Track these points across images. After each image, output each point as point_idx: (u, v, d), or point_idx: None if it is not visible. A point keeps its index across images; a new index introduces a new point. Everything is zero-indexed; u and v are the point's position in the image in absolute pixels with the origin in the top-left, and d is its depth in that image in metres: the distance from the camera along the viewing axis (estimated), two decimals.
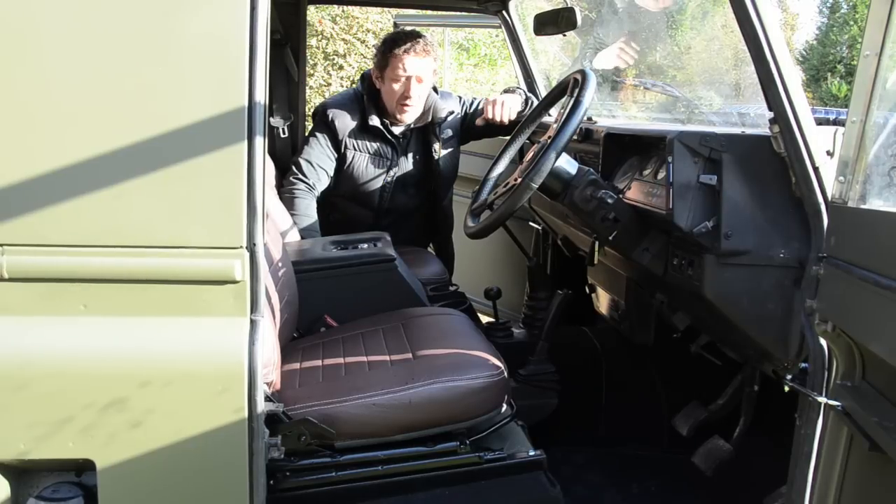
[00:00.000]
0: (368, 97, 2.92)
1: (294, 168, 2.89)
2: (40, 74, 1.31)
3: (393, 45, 2.82)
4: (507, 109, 2.91)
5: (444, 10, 4.31)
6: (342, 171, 2.93)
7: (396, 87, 2.83)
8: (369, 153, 2.92)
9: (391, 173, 2.95)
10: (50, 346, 1.35)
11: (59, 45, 1.31)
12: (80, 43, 1.31)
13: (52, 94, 1.32)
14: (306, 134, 3.07)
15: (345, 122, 2.89)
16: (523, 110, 2.95)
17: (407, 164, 2.99)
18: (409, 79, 2.81)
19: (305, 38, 3.51)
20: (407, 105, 2.86)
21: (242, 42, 1.32)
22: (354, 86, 3.19)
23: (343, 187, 2.96)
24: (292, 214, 2.77)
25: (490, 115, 2.91)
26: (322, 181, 2.90)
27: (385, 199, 2.98)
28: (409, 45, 2.79)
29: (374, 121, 2.88)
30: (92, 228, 1.34)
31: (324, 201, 2.93)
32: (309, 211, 2.83)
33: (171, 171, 1.33)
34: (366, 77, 3.01)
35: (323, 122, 2.92)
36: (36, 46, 1.31)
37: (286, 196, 2.83)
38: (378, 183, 2.95)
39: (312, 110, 3.18)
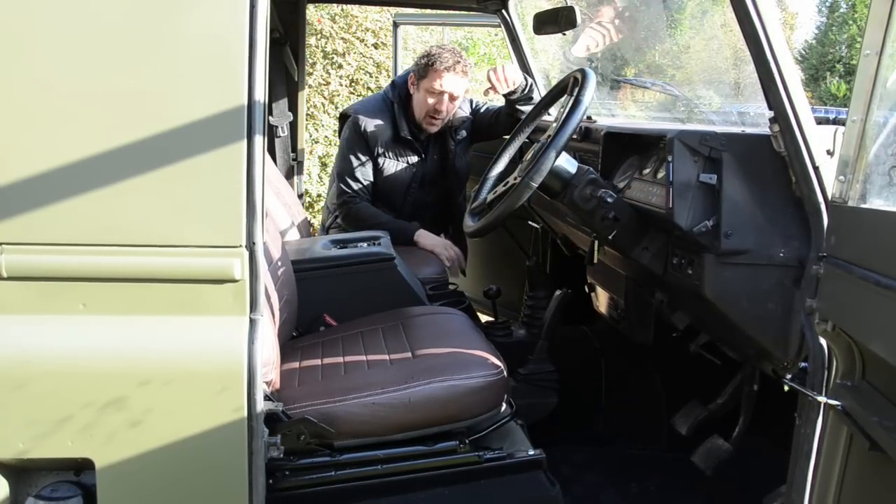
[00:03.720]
0: (399, 106, 3.01)
1: (342, 188, 3.00)
2: (41, 73, 1.31)
3: (437, 59, 2.90)
4: (509, 74, 2.90)
5: (443, 9, 4.31)
6: (373, 173, 3.04)
7: (431, 100, 2.94)
8: (398, 160, 3.03)
9: (417, 177, 3.07)
10: (49, 345, 1.35)
11: (59, 43, 1.31)
12: (81, 41, 1.31)
13: (51, 93, 1.32)
14: (339, 139, 3.17)
15: (377, 132, 2.99)
16: (529, 90, 2.97)
17: (427, 165, 3.09)
18: (443, 94, 2.92)
19: (305, 36, 3.52)
20: (436, 119, 2.98)
21: (242, 41, 1.32)
22: (381, 90, 3.27)
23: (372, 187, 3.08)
24: (365, 226, 2.91)
25: (493, 81, 2.91)
26: (369, 190, 3.03)
27: (408, 199, 3.09)
28: (451, 63, 2.89)
29: (405, 132, 2.98)
30: (91, 227, 1.34)
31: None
32: (372, 213, 2.98)
33: (170, 169, 1.33)
34: (397, 85, 3.08)
35: (356, 132, 3.00)
36: (36, 45, 1.30)
37: (351, 216, 2.98)
38: (403, 185, 3.06)
39: (340, 113, 3.28)
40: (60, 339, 1.35)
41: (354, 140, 3.00)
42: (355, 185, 3.00)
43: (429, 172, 3.10)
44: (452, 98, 2.95)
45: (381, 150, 2.99)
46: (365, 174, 3.01)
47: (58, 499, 1.44)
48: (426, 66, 2.93)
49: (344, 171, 3.02)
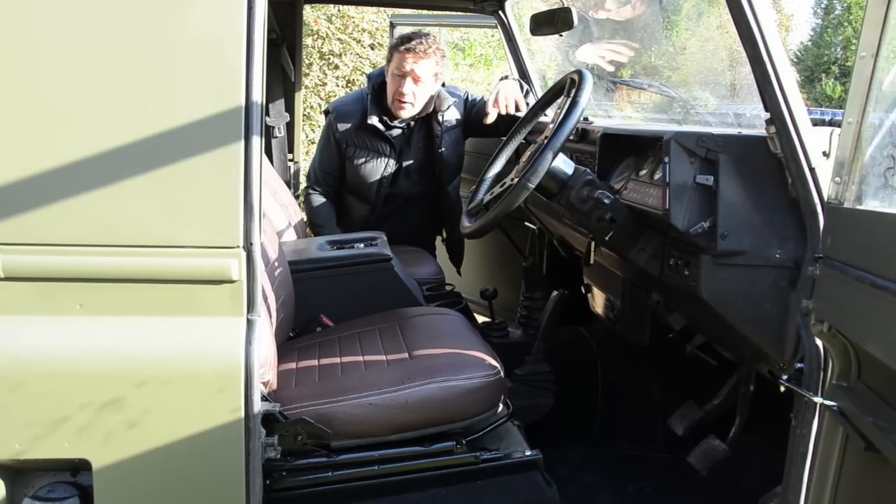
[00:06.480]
0: (372, 97, 3.01)
1: (307, 177, 3.13)
2: (38, 74, 1.31)
3: (399, 42, 2.94)
4: (512, 100, 2.95)
5: (440, 10, 4.31)
6: (345, 166, 3.07)
7: (393, 81, 2.94)
8: (368, 150, 3.02)
9: (390, 167, 3.04)
10: (46, 346, 1.34)
11: (57, 44, 1.31)
12: (79, 43, 1.31)
13: (49, 94, 1.32)
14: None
15: (345, 122, 3.02)
16: (525, 95, 3.03)
17: (410, 153, 3.07)
18: (404, 76, 2.91)
19: (301, 37, 3.52)
20: (402, 102, 2.95)
21: (239, 42, 1.32)
22: (362, 87, 3.32)
23: (347, 181, 3.10)
24: (314, 220, 3.06)
25: (494, 114, 2.94)
26: (333, 184, 3.11)
27: (382, 191, 3.06)
28: (412, 44, 2.89)
29: (373, 120, 2.97)
30: (89, 228, 1.34)
31: (333, 193, 3.14)
32: (328, 215, 3.09)
33: (168, 170, 1.33)
34: (371, 77, 3.10)
35: (328, 125, 3.07)
36: (34, 46, 1.30)
37: (306, 208, 3.11)
38: (374, 177, 3.05)
39: (324, 110, 3.43)
40: (57, 339, 1.35)
41: (325, 135, 3.08)
42: (315, 182, 3.10)
43: (414, 161, 3.07)
44: (416, 80, 2.91)
45: (349, 142, 3.01)
46: (328, 168, 3.07)
47: (54, 499, 1.43)
48: (391, 49, 2.98)
49: (311, 167, 3.14)
